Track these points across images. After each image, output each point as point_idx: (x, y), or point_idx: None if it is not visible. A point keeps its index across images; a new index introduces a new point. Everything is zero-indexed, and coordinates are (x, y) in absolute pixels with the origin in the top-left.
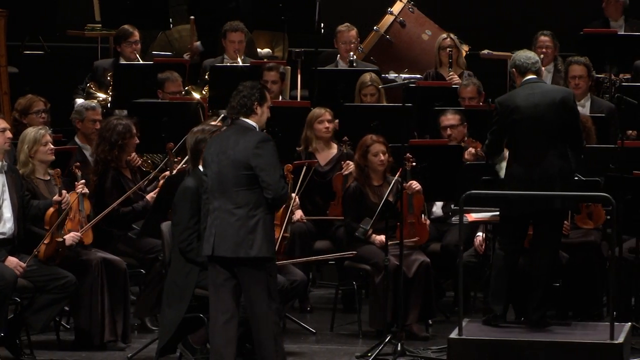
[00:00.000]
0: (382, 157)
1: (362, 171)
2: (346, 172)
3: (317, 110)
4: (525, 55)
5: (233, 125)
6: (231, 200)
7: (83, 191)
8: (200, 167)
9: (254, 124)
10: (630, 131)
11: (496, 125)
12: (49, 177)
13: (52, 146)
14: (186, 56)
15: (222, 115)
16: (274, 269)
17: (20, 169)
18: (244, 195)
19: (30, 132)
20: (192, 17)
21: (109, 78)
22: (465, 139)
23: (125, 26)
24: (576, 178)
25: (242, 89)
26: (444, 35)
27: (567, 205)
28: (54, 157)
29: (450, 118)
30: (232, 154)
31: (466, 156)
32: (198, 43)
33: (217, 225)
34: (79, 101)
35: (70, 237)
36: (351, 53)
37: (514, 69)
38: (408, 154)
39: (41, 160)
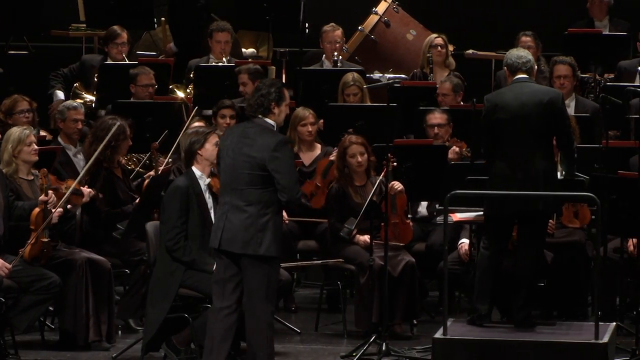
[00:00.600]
0: (360, 159)
1: (343, 172)
2: (332, 157)
3: (300, 112)
4: (517, 54)
5: (251, 122)
6: (242, 197)
7: (84, 193)
8: (194, 168)
9: (272, 122)
10: (612, 131)
11: (483, 121)
12: (32, 177)
13: (36, 147)
14: (162, 58)
15: (194, 112)
16: (278, 270)
17: (4, 169)
18: (256, 194)
19: (15, 131)
20: (162, 18)
21: (95, 78)
22: (450, 138)
23: (114, 27)
24: (581, 179)
25: (260, 87)
26: (435, 35)
27: (549, 207)
28: (37, 157)
29: (437, 117)
30: (248, 152)
31: (450, 155)
32: (171, 44)
33: (227, 219)
34: (59, 93)
35: (58, 214)
36: (336, 53)
37: (505, 68)
38: (389, 154)
39: (24, 160)
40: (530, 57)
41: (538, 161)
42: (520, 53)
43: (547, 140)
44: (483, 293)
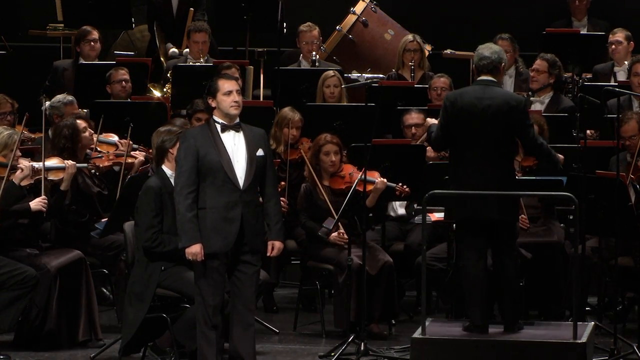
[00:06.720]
0: (333, 158)
1: (315, 169)
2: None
3: (287, 114)
4: (480, 53)
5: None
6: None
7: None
8: (164, 167)
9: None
10: (590, 131)
11: (442, 120)
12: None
13: (20, 154)
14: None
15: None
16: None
17: None
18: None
19: (3, 134)
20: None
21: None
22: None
23: (84, 27)
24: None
25: None
26: (410, 38)
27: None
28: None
29: (414, 117)
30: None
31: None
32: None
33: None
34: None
35: (35, 204)
36: (314, 52)
37: (474, 66)
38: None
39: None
40: (495, 55)
41: (494, 167)
42: (484, 53)
43: (505, 146)
44: (474, 304)
